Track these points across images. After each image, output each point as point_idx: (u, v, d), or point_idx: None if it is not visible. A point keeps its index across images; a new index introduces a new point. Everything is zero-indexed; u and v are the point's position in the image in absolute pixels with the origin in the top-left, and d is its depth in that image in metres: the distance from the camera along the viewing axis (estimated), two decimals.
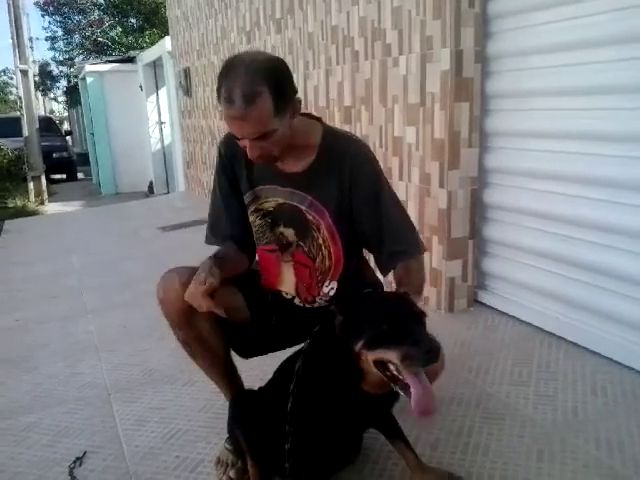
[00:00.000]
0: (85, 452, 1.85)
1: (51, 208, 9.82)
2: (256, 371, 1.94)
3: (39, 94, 19.90)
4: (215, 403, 2.02)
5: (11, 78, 26.65)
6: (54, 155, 13.40)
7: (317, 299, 1.66)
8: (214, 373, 1.76)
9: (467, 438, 1.75)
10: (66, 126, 24.97)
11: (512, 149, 2.54)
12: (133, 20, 17.71)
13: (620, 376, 2.05)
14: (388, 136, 2.99)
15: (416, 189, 2.80)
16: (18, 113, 11.01)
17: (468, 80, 2.52)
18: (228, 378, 1.77)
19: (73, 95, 18.23)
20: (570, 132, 2.26)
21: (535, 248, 2.48)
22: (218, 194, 1.71)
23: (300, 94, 1.52)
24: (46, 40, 19.86)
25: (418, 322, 1.20)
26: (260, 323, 1.68)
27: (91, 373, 2.46)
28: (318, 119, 1.62)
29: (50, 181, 11.93)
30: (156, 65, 9.54)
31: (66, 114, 28.40)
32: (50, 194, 11.02)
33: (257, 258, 1.74)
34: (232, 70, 1.36)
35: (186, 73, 7.09)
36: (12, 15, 10.25)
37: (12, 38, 10.29)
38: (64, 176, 14.42)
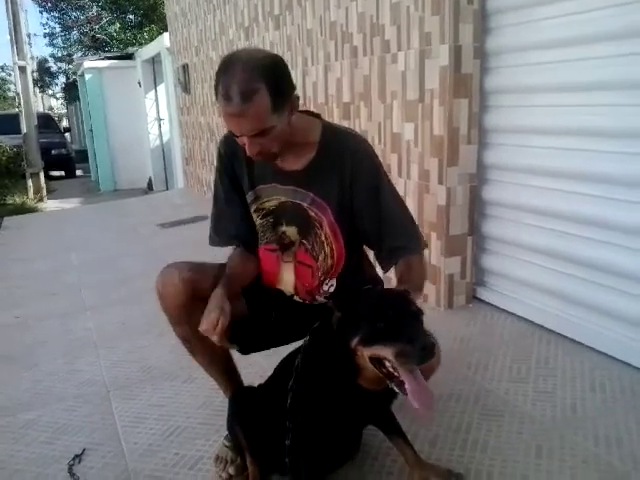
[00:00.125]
0: (84, 449, 1.85)
1: (50, 205, 9.82)
2: (255, 368, 1.94)
3: (37, 91, 19.87)
4: (214, 400, 2.02)
5: (9, 75, 26.57)
6: (53, 152, 13.39)
7: (316, 296, 1.66)
8: (213, 370, 1.76)
9: (466, 434, 1.75)
10: (65, 123, 24.96)
11: (511, 145, 2.54)
12: (131, 16, 17.66)
13: (619, 372, 2.05)
14: (387, 132, 2.99)
15: (415, 185, 2.80)
16: (16, 110, 11.00)
17: (467, 76, 2.52)
18: (227, 375, 1.77)
19: (72, 92, 18.19)
20: (569, 128, 2.26)
21: (534, 245, 2.48)
22: (220, 194, 1.70)
23: (299, 90, 1.52)
24: (44, 36, 19.82)
25: (414, 319, 1.20)
26: (259, 318, 1.68)
27: (90, 370, 2.46)
28: (317, 116, 1.61)
29: (49, 178, 11.94)
30: (154, 61, 9.52)
31: (65, 111, 28.36)
32: (49, 191, 11.02)
33: None
34: (229, 67, 1.36)
35: (184, 69, 7.08)
36: (10, 11, 10.23)
37: (10, 34, 10.28)
38: (63, 173, 14.43)
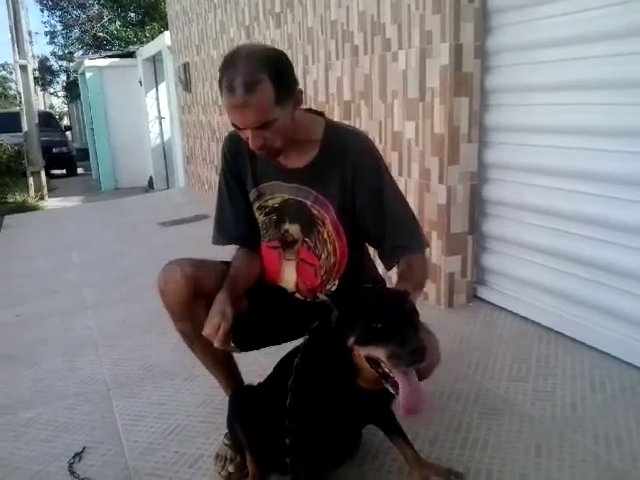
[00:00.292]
0: (84, 447, 1.85)
1: (51, 203, 9.84)
2: (255, 367, 1.94)
3: (38, 89, 19.86)
4: (214, 398, 2.02)
5: (10, 73, 26.55)
6: (54, 150, 13.41)
7: (318, 294, 1.66)
8: (214, 367, 1.76)
9: (466, 433, 1.75)
10: (66, 121, 24.92)
11: (512, 144, 2.54)
12: (132, 14, 17.66)
13: (619, 372, 2.05)
14: (387, 131, 2.99)
15: (416, 184, 2.80)
16: (17, 108, 11.00)
17: (468, 75, 2.51)
18: (228, 372, 1.77)
19: (73, 90, 18.20)
20: (570, 127, 2.26)
21: (535, 244, 2.48)
22: (224, 193, 1.70)
23: None
24: (45, 35, 19.87)
25: (409, 321, 1.20)
26: (259, 316, 1.68)
27: (91, 368, 2.46)
28: (321, 114, 1.62)
29: (50, 176, 11.95)
30: (155, 60, 9.52)
31: (66, 109, 28.38)
32: (50, 189, 11.03)
33: None
34: (233, 61, 1.37)
35: (185, 68, 7.08)
36: (11, 9, 10.22)
37: (11, 33, 10.27)
38: (64, 171, 14.44)
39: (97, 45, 17.66)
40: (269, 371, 1.64)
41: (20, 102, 10.48)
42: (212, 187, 6.37)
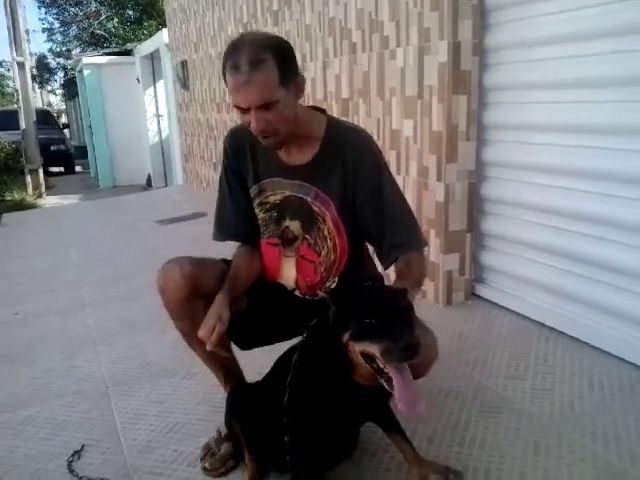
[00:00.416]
0: (83, 445, 1.85)
1: (49, 201, 9.82)
2: (254, 365, 1.94)
3: (36, 87, 19.83)
4: (213, 396, 2.02)
5: (8, 70, 26.51)
6: (52, 148, 13.39)
7: (318, 291, 1.66)
8: (213, 364, 1.77)
9: (464, 431, 1.76)
10: (64, 119, 24.90)
11: (510, 142, 2.53)
12: (130, 12, 17.62)
13: (617, 370, 2.05)
14: (386, 129, 2.98)
15: (414, 182, 2.80)
16: (15, 106, 10.98)
17: (466, 73, 2.51)
18: (227, 369, 1.77)
19: (71, 88, 18.16)
20: (569, 125, 2.26)
21: (533, 242, 2.48)
22: (225, 190, 1.71)
23: None
24: (43, 32, 19.82)
25: (404, 317, 1.20)
26: (259, 314, 1.68)
27: (89, 367, 2.46)
28: (322, 111, 1.62)
29: (48, 174, 11.92)
30: (153, 57, 9.49)
31: (63, 107, 28.32)
32: (48, 187, 11.01)
33: None
34: (236, 45, 1.39)
35: (183, 66, 7.06)
36: (8, 7, 10.19)
37: (8, 30, 10.24)
38: (62, 169, 14.41)
39: (95, 43, 17.63)
40: (268, 369, 1.64)
41: (18, 100, 10.47)
42: (210, 185, 6.38)
